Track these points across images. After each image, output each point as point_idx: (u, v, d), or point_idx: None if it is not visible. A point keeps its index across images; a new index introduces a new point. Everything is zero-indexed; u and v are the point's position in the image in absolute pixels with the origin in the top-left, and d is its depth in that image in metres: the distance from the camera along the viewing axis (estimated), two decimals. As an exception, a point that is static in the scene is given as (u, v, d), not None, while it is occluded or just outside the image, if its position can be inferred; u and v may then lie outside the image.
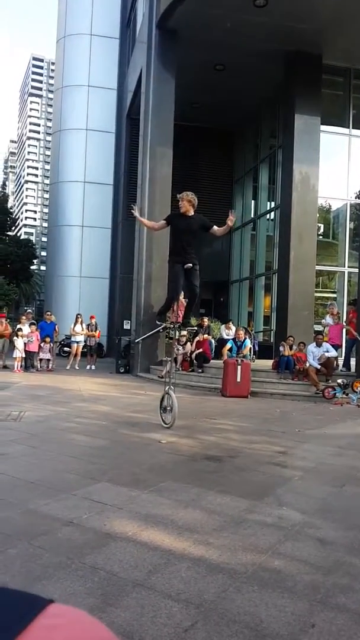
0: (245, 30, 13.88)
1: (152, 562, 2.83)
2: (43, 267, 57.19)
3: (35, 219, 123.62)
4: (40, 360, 14.25)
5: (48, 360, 14.37)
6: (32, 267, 52.73)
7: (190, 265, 6.51)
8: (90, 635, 0.45)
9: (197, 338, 12.58)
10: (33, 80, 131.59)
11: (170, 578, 2.65)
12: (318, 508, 3.92)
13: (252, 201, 20.52)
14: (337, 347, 12.03)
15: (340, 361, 12.44)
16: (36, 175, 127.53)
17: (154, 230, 6.46)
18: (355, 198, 16.89)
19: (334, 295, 17.25)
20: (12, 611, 0.43)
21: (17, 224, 58.84)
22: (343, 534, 3.42)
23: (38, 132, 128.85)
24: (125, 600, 2.41)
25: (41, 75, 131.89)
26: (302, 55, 14.57)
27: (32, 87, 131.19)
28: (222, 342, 13.24)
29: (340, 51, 14.68)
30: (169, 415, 6.74)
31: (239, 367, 10.60)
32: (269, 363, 12.71)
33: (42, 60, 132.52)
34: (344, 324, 12.73)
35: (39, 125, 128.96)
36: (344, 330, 12.75)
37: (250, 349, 12.85)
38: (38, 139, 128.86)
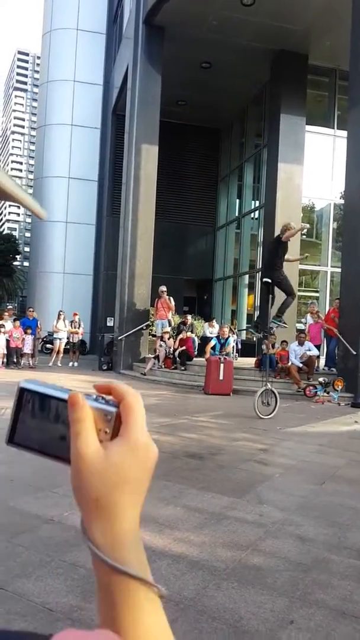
0: (232, 29, 13.88)
1: (132, 559, 2.82)
2: (26, 263, 56.71)
3: (18, 214, 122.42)
4: (23, 355, 14.10)
5: (31, 355, 14.23)
6: (15, 263, 52.29)
7: None
8: None
9: (180, 335, 12.61)
10: (18, 74, 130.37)
11: (150, 575, 2.65)
12: (298, 505, 3.95)
13: (237, 200, 20.55)
14: (317, 346, 12.09)
15: (322, 360, 12.51)
16: (20, 170, 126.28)
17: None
18: (339, 198, 17.00)
19: (317, 294, 17.37)
20: None
21: (0, 219, 58.26)
22: (323, 531, 3.45)
23: (22, 127, 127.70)
24: (105, 598, 2.40)
25: (26, 69, 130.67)
26: (288, 55, 14.61)
27: (17, 82, 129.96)
28: (205, 339, 13.26)
29: (326, 52, 14.75)
30: (269, 408, 7.99)
31: (222, 364, 10.63)
32: (251, 361, 12.76)
33: (27, 55, 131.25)
34: (323, 322, 12.63)
35: (23, 119, 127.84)
36: (323, 329, 12.70)
37: (233, 347, 12.89)
38: (22, 134, 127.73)
